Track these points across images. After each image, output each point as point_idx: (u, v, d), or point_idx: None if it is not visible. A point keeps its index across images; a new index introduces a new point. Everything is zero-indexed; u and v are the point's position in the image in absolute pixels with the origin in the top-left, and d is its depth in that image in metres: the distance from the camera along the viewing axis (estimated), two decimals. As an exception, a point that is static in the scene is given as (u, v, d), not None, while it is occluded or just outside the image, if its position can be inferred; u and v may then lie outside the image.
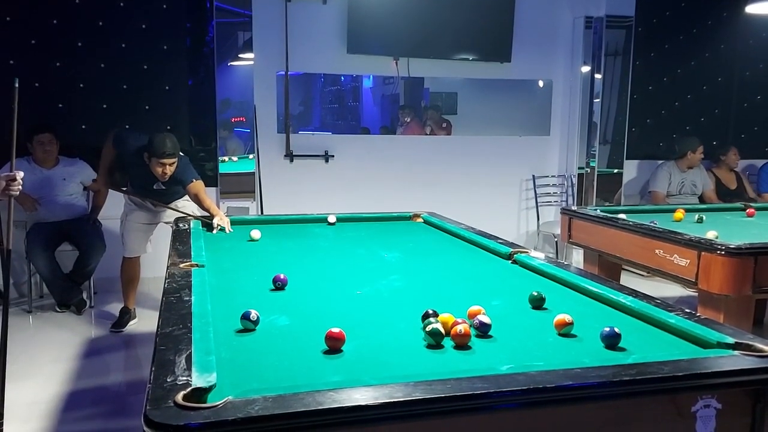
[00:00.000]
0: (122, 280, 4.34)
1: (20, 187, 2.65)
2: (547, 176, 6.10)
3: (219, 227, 3.44)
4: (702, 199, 5.76)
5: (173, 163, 3.83)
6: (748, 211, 4.20)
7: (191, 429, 1.10)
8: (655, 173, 5.81)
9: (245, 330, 1.72)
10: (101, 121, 5.00)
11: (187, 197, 4.12)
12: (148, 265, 4.49)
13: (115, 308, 4.48)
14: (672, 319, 1.74)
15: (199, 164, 5.29)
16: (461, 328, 1.61)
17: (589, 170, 5.93)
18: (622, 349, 1.58)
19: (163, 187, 4.04)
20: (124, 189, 4.22)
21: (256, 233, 3.16)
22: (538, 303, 1.97)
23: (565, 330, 1.70)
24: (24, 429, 2.87)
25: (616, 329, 1.60)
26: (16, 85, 2.60)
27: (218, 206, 5.17)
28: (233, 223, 3.51)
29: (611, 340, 1.59)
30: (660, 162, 5.90)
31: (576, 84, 5.95)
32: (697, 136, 5.94)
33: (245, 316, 1.72)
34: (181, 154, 3.97)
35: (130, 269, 4.31)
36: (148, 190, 4.07)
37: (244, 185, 5.32)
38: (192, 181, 3.93)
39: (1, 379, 2.47)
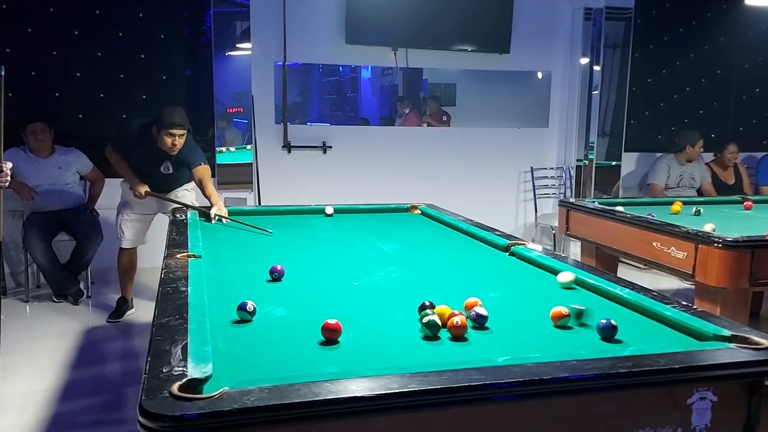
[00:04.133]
0: (119, 271, 4.34)
1: (8, 178, 2.63)
2: (546, 168, 6.10)
3: (217, 218, 3.42)
4: (700, 193, 5.76)
5: (182, 135, 3.79)
6: (745, 204, 4.21)
7: (187, 419, 1.09)
8: (654, 165, 5.81)
9: (242, 321, 1.71)
10: (98, 110, 4.99)
11: (186, 187, 4.11)
12: (145, 255, 4.49)
13: (112, 298, 4.48)
14: (669, 311, 1.74)
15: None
16: (458, 319, 1.61)
17: (587, 162, 5.93)
18: (619, 342, 1.58)
19: (171, 170, 3.99)
20: (161, 195, 4.03)
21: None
22: (580, 318, 1.72)
23: (561, 322, 1.70)
24: (20, 419, 2.87)
25: (613, 321, 1.60)
26: (2, 73, 2.55)
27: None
28: (230, 214, 3.50)
29: (608, 333, 1.59)
30: (659, 155, 5.90)
31: (575, 76, 5.94)
32: (695, 128, 5.94)
33: (242, 307, 1.72)
34: (190, 132, 3.91)
35: (127, 260, 4.30)
36: (154, 173, 4.01)
37: (242, 176, 5.31)
38: (200, 165, 3.88)
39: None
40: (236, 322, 1.71)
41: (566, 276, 2.12)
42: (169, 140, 3.76)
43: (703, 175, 5.85)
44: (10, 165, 2.64)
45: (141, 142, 3.90)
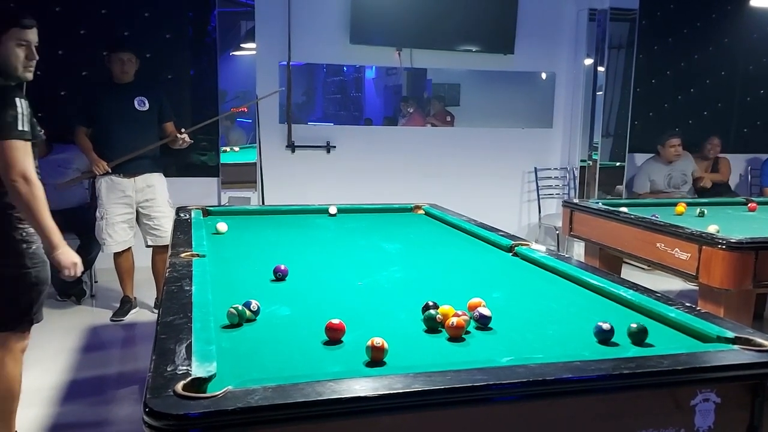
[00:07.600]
0: (118, 273, 4.36)
1: None
2: (549, 169, 6.10)
3: (183, 143, 4.20)
4: (701, 191, 5.74)
5: (131, 59, 4.19)
6: (749, 205, 4.20)
7: (191, 418, 1.10)
8: (636, 175, 5.81)
9: (246, 320, 1.72)
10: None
11: (163, 209, 4.26)
12: (148, 255, 4.50)
13: (116, 297, 4.49)
14: (672, 312, 1.74)
15: (201, 154, 5.31)
16: (454, 320, 1.61)
17: (591, 163, 5.92)
18: (621, 343, 1.58)
19: (147, 106, 4.21)
20: (115, 162, 4.16)
21: (222, 226, 2.94)
22: (638, 338, 1.57)
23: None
24: (25, 416, 2.88)
25: (605, 326, 1.56)
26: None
27: (219, 197, 5.24)
28: (234, 213, 3.53)
29: (603, 336, 1.56)
30: (640, 164, 5.89)
31: (579, 76, 5.93)
32: (700, 130, 5.93)
33: (246, 306, 1.72)
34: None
35: (124, 262, 4.32)
36: (130, 115, 4.17)
37: (246, 175, 5.33)
38: (171, 121, 4.40)
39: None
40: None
41: (222, 226, 2.87)
42: (118, 66, 4.15)
43: (694, 167, 5.84)
44: None
45: (105, 89, 4.21)
